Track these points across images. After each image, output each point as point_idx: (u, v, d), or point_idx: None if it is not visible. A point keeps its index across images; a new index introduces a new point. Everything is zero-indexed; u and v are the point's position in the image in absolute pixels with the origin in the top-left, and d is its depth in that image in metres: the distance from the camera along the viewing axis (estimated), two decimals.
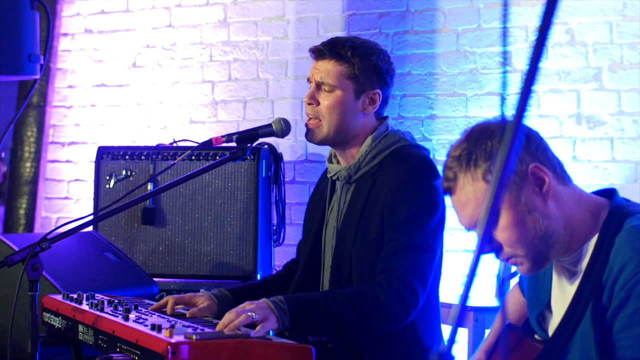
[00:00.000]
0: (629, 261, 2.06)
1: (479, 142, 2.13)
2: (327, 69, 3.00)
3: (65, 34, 5.64)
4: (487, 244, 2.09)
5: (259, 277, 4.38)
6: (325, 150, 4.02)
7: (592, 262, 2.14)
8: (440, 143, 4.51)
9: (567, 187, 2.18)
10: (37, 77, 3.73)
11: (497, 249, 2.14)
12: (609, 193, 2.26)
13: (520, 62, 4.34)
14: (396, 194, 2.90)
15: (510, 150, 1.16)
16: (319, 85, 3.02)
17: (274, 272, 4.13)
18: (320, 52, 3.04)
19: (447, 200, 2.24)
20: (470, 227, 2.18)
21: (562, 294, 2.26)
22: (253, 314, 2.60)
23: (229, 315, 2.60)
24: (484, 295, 4.14)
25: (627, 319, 2.06)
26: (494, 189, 1.20)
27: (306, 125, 3.05)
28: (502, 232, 2.11)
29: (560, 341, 2.19)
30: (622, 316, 2.07)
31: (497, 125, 2.17)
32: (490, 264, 4.06)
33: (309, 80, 3.07)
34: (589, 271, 2.14)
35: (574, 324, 2.16)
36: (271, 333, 2.74)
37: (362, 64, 2.99)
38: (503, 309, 2.59)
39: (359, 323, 2.80)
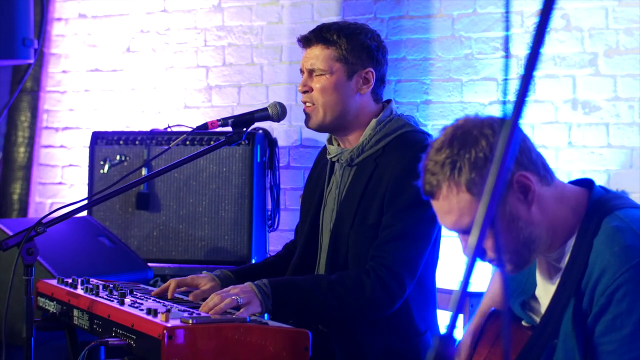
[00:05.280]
0: (608, 266, 2.05)
1: (463, 150, 2.08)
2: (316, 54, 3.02)
3: (59, 19, 5.61)
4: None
5: (253, 262, 4.37)
6: (321, 136, 4.01)
7: (570, 263, 2.13)
8: (435, 128, 4.49)
9: (551, 187, 2.15)
10: (32, 61, 3.72)
11: (481, 253, 2.13)
12: (587, 183, 2.23)
13: (515, 47, 4.33)
14: (398, 180, 2.89)
15: (503, 160, 1.14)
16: (310, 72, 3.03)
17: (270, 255, 4.12)
18: (307, 39, 3.06)
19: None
20: (452, 230, 2.17)
21: (545, 288, 2.26)
22: (238, 297, 2.64)
23: (213, 298, 2.63)
24: (479, 280, 4.13)
25: (608, 323, 2.05)
26: (487, 203, 1.18)
27: (304, 111, 3.05)
28: (486, 241, 2.10)
29: (541, 338, 2.19)
30: (604, 321, 2.06)
31: (480, 128, 2.10)
32: None
33: (301, 70, 3.08)
34: (568, 271, 2.13)
35: (554, 323, 2.15)
36: (266, 317, 2.75)
37: (349, 44, 2.99)
38: (505, 287, 2.57)
39: (341, 310, 2.83)
